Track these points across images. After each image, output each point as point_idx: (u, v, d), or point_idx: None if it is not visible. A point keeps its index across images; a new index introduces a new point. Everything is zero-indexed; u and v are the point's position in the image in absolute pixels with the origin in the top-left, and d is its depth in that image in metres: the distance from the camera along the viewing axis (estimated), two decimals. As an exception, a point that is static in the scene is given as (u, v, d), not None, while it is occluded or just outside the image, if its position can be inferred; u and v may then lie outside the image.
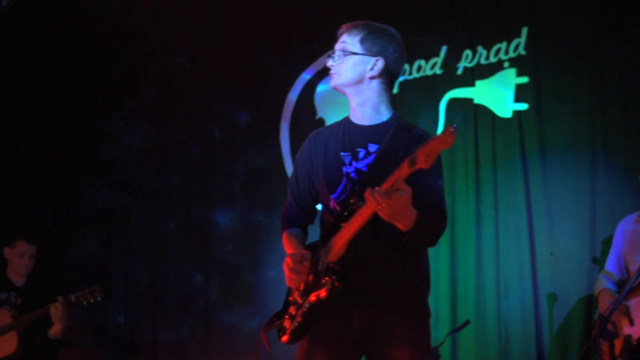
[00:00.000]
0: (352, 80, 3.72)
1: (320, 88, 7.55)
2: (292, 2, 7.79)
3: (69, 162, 8.32)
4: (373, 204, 3.25)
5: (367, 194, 3.25)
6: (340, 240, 3.48)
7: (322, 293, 3.48)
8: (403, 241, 3.48)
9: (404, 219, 3.33)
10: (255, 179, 7.90)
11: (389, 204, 3.22)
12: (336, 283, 3.46)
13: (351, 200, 3.51)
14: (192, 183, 8.11)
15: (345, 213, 3.51)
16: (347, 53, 3.70)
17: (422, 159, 3.09)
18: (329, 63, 3.76)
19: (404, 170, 3.15)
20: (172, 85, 8.26)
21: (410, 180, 3.19)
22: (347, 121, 3.83)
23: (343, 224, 3.50)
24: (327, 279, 3.47)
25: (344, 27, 3.77)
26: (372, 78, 3.71)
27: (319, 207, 3.89)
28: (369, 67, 3.70)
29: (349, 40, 3.72)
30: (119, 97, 8.37)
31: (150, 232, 8.14)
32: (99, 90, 8.35)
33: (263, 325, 3.77)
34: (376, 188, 3.22)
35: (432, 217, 3.50)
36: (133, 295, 8.10)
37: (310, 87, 7.66)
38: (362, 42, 3.70)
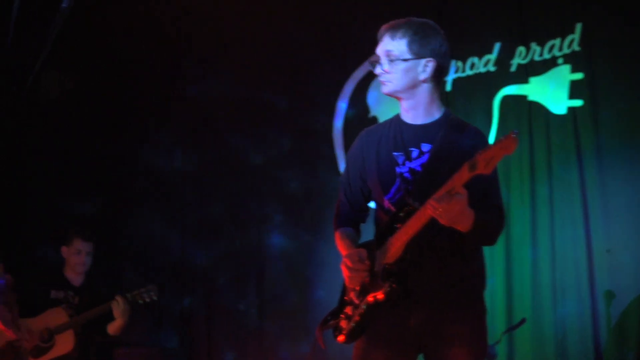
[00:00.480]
0: (404, 87, 3.66)
1: (373, 87, 7.54)
2: (335, 5, 7.79)
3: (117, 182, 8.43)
4: (430, 211, 3.25)
5: (427, 202, 3.25)
6: (398, 242, 3.47)
7: (380, 295, 3.47)
8: (462, 242, 3.48)
9: (463, 222, 3.32)
10: (299, 200, 7.89)
11: (446, 210, 3.22)
12: (394, 285, 3.46)
13: (408, 201, 3.51)
14: (237, 208, 8.12)
15: (402, 214, 3.50)
16: (396, 60, 3.63)
17: (483, 165, 3.07)
18: (377, 71, 3.69)
19: (464, 174, 3.13)
20: (212, 110, 8.30)
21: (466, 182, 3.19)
22: (398, 120, 3.79)
23: (399, 225, 3.48)
24: (385, 281, 3.47)
25: (384, 31, 3.68)
26: (424, 80, 3.66)
27: (371, 204, 3.88)
28: (420, 69, 3.63)
29: (394, 46, 3.63)
30: (159, 122, 8.46)
31: (197, 257, 8.18)
32: (139, 114, 8.45)
33: (318, 324, 3.78)
34: (433, 196, 3.23)
35: (491, 217, 3.50)
36: (186, 319, 8.15)
37: (362, 86, 7.65)
38: (409, 46, 3.61)
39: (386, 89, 3.69)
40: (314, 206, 7.75)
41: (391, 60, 3.63)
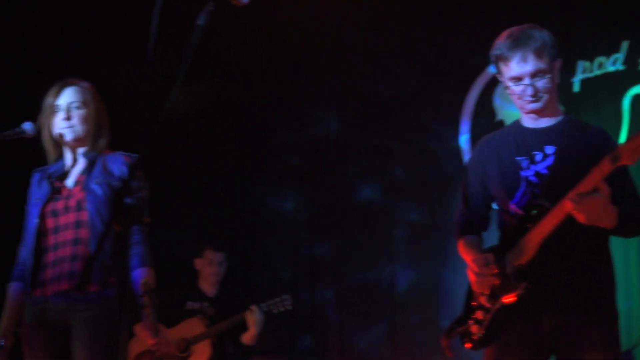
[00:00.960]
0: (553, 99, 3.66)
1: (498, 92, 7.48)
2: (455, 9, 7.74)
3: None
4: (570, 207, 3.23)
5: (567, 198, 3.24)
6: (531, 242, 3.46)
7: (513, 297, 3.47)
8: (596, 241, 3.45)
9: (605, 220, 3.31)
10: (425, 229, 7.85)
11: (587, 207, 3.21)
12: (527, 286, 3.44)
13: (539, 202, 3.49)
14: (360, 241, 8.12)
15: (534, 213, 3.49)
16: (547, 77, 3.58)
17: (627, 155, 3.07)
18: (530, 92, 3.58)
19: (605, 167, 3.13)
20: (324, 145, 8.33)
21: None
22: (517, 125, 3.78)
23: (530, 225, 3.48)
24: (518, 282, 3.46)
25: (525, 49, 3.55)
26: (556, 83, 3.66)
27: (491, 212, 3.88)
28: (555, 74, 3.63)
29: (543, 63, 3.56)
30: (270, 160, 8.54)
31: (328, 289, 8.22)
32: (250, 154, 8.56)
33: (444, 332, 3.79)
34: (573, 192, 3.22)
35: (633, 208, 3.46)
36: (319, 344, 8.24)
37: (489, 89, 7.59)
38: (552, 56, 3.58)
39: (537, 105, 3.63)
40: (440, 235, 7.65)
41: (542, 78, 3.57)
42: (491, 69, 7.12)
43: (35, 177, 4.32)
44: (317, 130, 8.37)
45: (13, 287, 4.25)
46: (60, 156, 4.33)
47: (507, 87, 3.66)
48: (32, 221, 4.20)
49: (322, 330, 8.13)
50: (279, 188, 8.50)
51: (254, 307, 6.45)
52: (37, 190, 4.26)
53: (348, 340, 8.00)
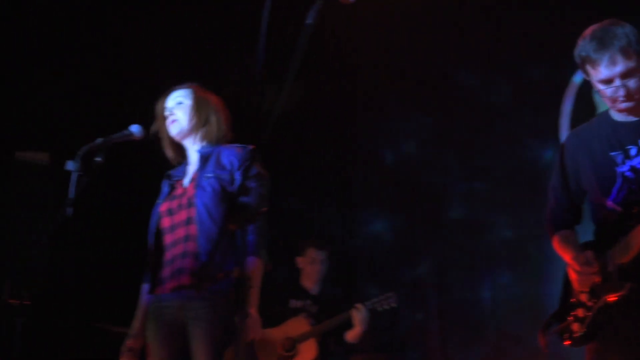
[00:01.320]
0: None
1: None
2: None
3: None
4: None
5: None
6: (635, 241, 3.40)
7: (616, 295, 3.43)
8: None
9: None
10: (516, 246, 7.77)
11: None
12: (632, 285, 3.40)
13: None
14: (450, 260, 8.04)
15: (635, 211, 3.45)
16: (637, 75, 3.51)
17: None
18: (622, 93, 3.52)
19: None
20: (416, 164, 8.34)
21: None
22: (607, 119, 3.72)
23: (631, 223, 3.43)
24: (622, 281, 3.42)
25: (611, 51, 3.47)
26: None
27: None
28: None
29: (633, 62, 3.48)
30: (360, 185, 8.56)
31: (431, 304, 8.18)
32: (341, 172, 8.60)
33: (540, 328, 3.78)
34: None
35: None
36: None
37: (585, 87, 7.48)
38: (638, 54, 3.49)
39: (630, 104, 3.57)
40: (538, 247, 7.56)
41: (632, 77, 3.51)
42: (577, 78, 7.07)
43: (165, 180, 4.44)
44: (409, 146, 8.36)
45: (144, 289, 4.35)
46: (183, 157, 4.44)
47: (598, 90, 3.59)
48: (153, 222, 4.32)
49: (425, 346, 8.10)
50: (373, 204, 8.53)
51: (359, 305, 6.46)
52: (162, 193, 4.39)
53: (452, 356, 7.98)
